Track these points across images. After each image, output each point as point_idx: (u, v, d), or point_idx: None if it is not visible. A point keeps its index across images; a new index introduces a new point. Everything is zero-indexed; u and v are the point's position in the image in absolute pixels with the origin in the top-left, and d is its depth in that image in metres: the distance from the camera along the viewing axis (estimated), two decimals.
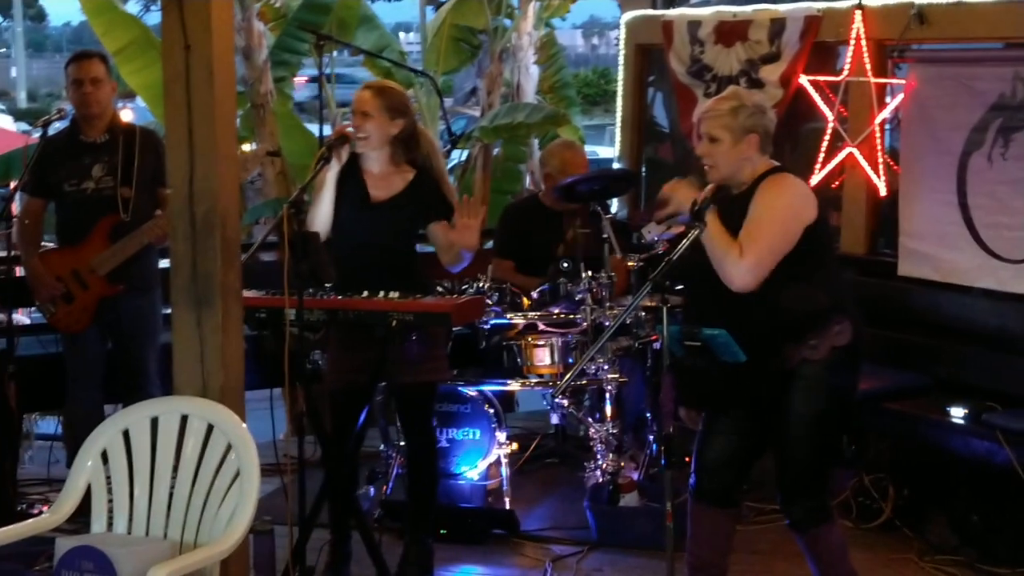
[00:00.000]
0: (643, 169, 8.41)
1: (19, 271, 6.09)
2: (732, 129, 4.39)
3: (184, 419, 4.10)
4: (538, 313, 6.07)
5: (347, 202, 5.20)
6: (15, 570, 5.04)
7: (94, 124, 5.94)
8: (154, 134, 6.17)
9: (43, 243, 6.17)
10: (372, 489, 6.03)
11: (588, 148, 9.04)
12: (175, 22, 4.30)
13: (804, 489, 4.50)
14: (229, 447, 4.01)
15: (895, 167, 6.59)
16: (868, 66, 6.48)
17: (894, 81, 6.51)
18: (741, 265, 4.28)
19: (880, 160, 6.58)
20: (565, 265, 6.03)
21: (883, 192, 6.62)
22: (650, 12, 8.15)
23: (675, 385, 4.79)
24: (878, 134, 6.56)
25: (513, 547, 5.73)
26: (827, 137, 6.77)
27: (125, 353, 6.05)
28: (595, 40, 55.19)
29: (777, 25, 6.99)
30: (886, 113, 6.52)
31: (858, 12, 6.51)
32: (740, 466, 4.63)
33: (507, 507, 5.93)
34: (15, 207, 5.96)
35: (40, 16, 50.86)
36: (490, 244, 7.17)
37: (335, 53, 11.16)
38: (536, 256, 6.49)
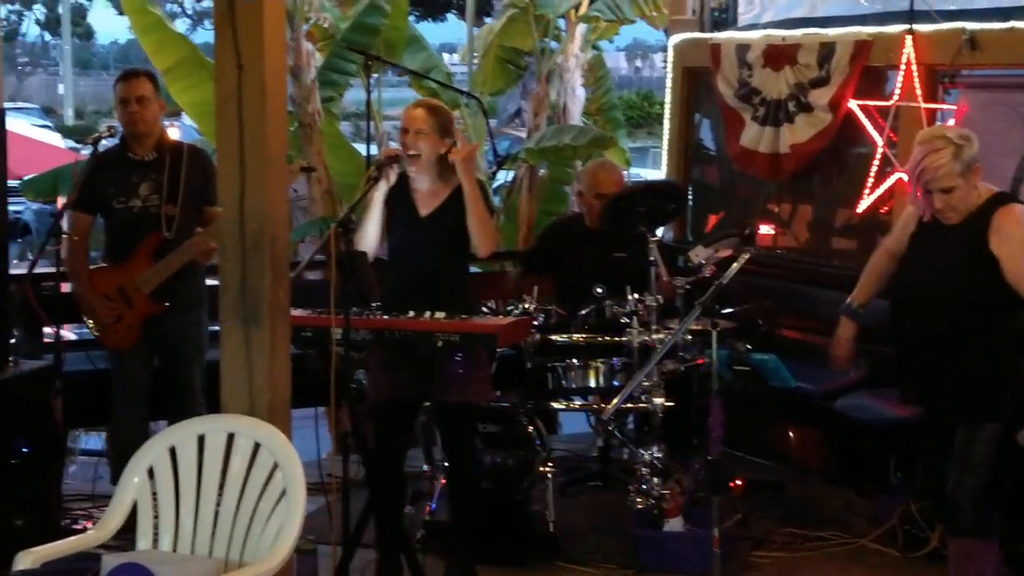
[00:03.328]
0: (690, 192, 8.38)
1: (65, 287, 6.11)
2: (960, 172, 4.50)
3: (231, 437, 4.11)
4: (584, 335, 6.04)
5: (398, 221, 5.23)
6: None
7: (142, 142, 5.98)
8: (202, 152, 6.19)
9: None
10: (413, 509, 6.01)
11: (632, 171, 8.96)
12: (228, 42, 4.32)
13: (974, 499, 4.56)
14: (275, 466, 4.01)
15: None
16: (918, 91, 6.44)
17: (945, 107, 6.45)
18: None
19: None
20: (599, 291, 6.00)
21: None
22: (698, 35, 8.14)
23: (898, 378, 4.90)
24: None
25: (556, 571, 5.68)
26: (876, 162, 6.73)
27: (171, 371, 6.08)
28: (639, 63, 55.19)
29: (826, 49, 6.95)
30: None
31: (908, 37, 6.47)
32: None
33: (550, 530, 5.89)
34: (65, 224, 5.98)
35: (88, 34, 51.24)
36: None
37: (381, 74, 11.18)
38: (569, 275, 6.47)
